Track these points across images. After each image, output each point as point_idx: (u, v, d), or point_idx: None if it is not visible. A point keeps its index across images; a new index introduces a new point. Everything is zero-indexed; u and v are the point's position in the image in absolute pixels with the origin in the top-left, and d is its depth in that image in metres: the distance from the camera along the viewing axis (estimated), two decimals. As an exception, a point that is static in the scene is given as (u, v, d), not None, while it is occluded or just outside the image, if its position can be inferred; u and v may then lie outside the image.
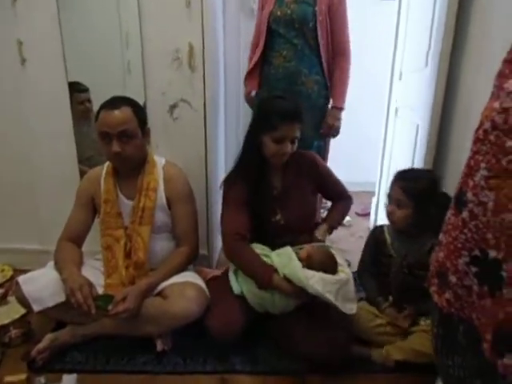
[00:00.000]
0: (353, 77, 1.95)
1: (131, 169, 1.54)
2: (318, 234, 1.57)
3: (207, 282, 1.58)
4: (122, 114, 1.43)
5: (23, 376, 1.31)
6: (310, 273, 1.34)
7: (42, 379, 1.21)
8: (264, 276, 1.38)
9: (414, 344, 1.36)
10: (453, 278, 0.67)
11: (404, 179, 1.44)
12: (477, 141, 0.64)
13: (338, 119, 1.94)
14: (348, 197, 1.70)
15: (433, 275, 0.73)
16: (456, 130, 1.69)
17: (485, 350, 0.63)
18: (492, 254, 0.61)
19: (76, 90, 1.89)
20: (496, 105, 0.60)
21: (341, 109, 1.93)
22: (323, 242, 1.57)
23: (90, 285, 1.38)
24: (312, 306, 1.41)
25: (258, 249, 1.51)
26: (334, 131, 1.97)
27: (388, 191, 1.50)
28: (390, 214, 1.47)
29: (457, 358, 0.76)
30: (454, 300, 0.68)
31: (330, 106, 1.96)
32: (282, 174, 1.58)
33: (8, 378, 1.31)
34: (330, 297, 1.29)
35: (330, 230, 1.64)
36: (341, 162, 2.51)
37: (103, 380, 1.33)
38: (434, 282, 0.72)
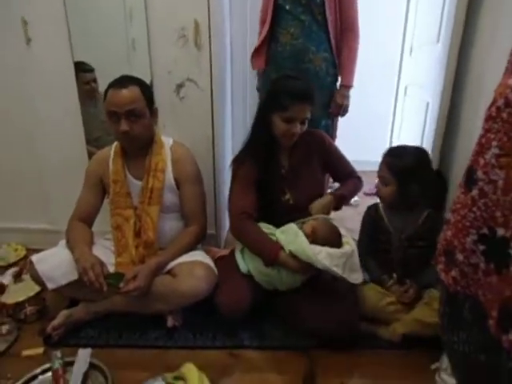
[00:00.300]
0: (362, 53, 1.91)
1: (139, 148, 1.54)
2: (313, 207, 1.53)
3: (215, 261, 1.61)
4: (130, 93, 1.43)
5: (40, 350, 1.37)
6: (317, 248, 1.36)
7: (59, 353, 1.25)
8: (270, 253, 1.40)
9: (417, 315, 1.39)
10: (460, 256, 0.67)
11: (390, 156, 1.46)
12: (489, 118, 0.63)
13: (347, 97, 1.92)
14: (358, 177, 1.68)
15: (440, 253, 0.74)
16: (466, 108, 1.66)
17: (490, 326, 0.63)
18: (500, 232, 0.61)
19: (82, 69, 1.88)
20: (510, 81, 0.59)
21: (350, 87, 1.90)
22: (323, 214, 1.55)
23: (102, 264, 1.41)
24: (318, 282, 1.44)
25: (264, 228, 1.52)
26: (343, 110, 1.94)
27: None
28: (377, 191, 1.51)
29: (462, 334, 0.77)
30: (460, 278, 0.69)
31: (338, 84, 1.93)
32: (291, 153, 1.58)
33: (26, 352, 1.36)
34: (338, 270, 1.32)
35: (339, 203, 1.60)
36: (349, 141, 2.49)
37: (116, 354, 1.38)
38: (441, 260, 0.73)
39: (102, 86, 1.91)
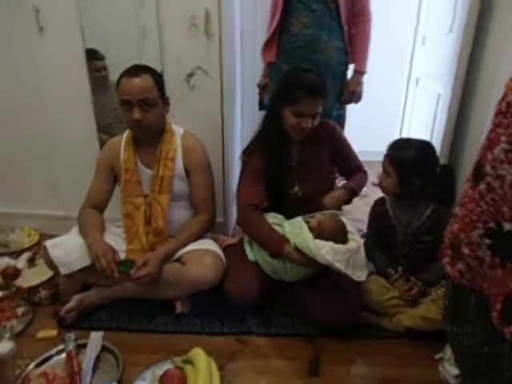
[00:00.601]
0: (373, 42, 1.89)
1: (150, 137, 1.56)
2: (326, 200, 1.56)
3: (223, 250, 1.63)
4: (143, 81, 1.44)
5: (54, 332, 1.42)
6: (321, 243, 1.36)
7: (72, 336, 1.30)
8: (275, 245, 1.42)
9: (422, 312, 1.40)
10: (466, 250, 0.68)
11: (392, 149, 1.45)
12: (499, 113, 0.63)
13: (361, 84, 1.90)
14: (364, 171, 1.68)
15: (446, 247, 0.75)
16: (478, 101, 1.64)
17: (493, 318, 0.65)
18: (507, 226, 0.61)
19: (93, 57, 1.89)
20: None
21: (363, 73, 1.89)
22: (334, 209, 1.56)
23: (113, 251, 1.44)
24: (324, 274, 1.45)
25: (272, 218, 1.54)
26: (357, 97, 1.93)
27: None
28: (379, 182, 1.51)
29: (466, 327, 0.79)
30: (465, 271, 0.70)
31: (352, 70, 1.91)
32: (301, 145, 1.57)
33: (41, 334, 1.41)
34: (341, 266, 1.32)
35: (351, 196, 1.61)
36: (358, 131, 2.48)
37: (127, 337, 1.42)
38: (448, 253, 0.74)
39: (112, 74, 1.92)
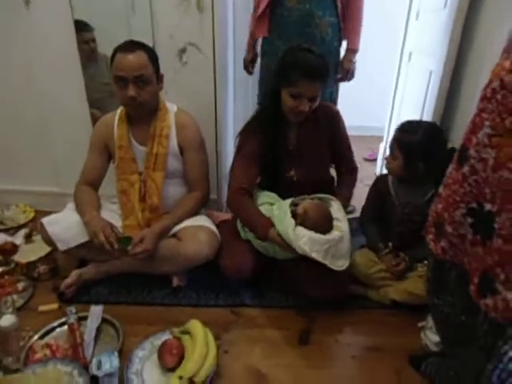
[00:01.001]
0: (367, 16, 1.88)
1: (144, 115, 1.56)
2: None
3: (217, 225, 1.67)
4: (138, 58, 1.43)
5: (55, 306, 1.46)
6: (302, 232, 1.35)
7: (73, 309, 1.34)
8: (261, 229, 1.43)
9: (408, 287, 1.45)
10: (449, 228, 0.73)
11: (400, 131, 1.45)
12: (483, 98, 0.66)
13: (354, 62, 1.91)
14: (354, 168, 1.67)
15: (430, 225, 0.79)
16: (468, 79, 1.66)
17: (471, 291, 0.70)
18: (487, 207, 0.66)
19: (81, 29, 1.84)
20: (506, 64, 0.61)
21: (356, 50, 1.89)
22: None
23: (111, 225, 1.48)
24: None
25: (265, 196, 1.56)
26: (350, 75, 1.93)
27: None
28: (385, 163, 1.52)
29: (447, 298, 0.84)
30: (448, 248, 0.75)
31: (344, 49, 1.91)
32: (299, 128, 1.55)
33: (42, 308, 1.46)
34: (318, 257, 1.31)
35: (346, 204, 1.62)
36: (350, 106, 2.48)
37: (126, 310, 1.47)
38: (431, 231, 0.79)
39: (100, 46, 1.90)
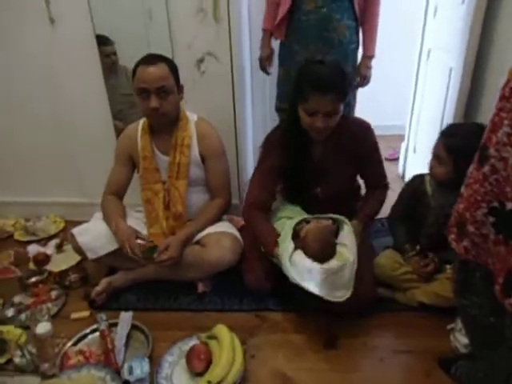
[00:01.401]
0: (384, 14, 1.86)
1: (166, 125, 1.60)
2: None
3: (239, 230, 1.69)
4: (159, 69, 1.47)
5: (87, 313, 1.52)
6: (297, 259, 1.31)
7: (104, 316, 1.39)
8: (267, 248, 1.45)
9: (436, 289, 1.42)
10: (471, 228, 0.72)
11: (448, 136, 1.39)
12: (502, 98, 0.66)
13: (370, 68, 1.90)
14: (384, 186, 1.60)
15: (452, 225, 0.79)
16: (490, 76, 1.62)
17: (496, 291, 0.69)
18: (509, 205, 0.65)
19: (102, 43, 1.91)
20: None
21: (372, 57, 1.88)
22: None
23: (135, 233, 1.52)
24: None
25: (288, 210, 1.56)
26: (366, 81, 1.93)
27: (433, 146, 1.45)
28: (430, 168, 1.46)
29: (473, 299, 0.83)
30: (470, 247, 0.74)
31: (361, 55, 1.90)
32: (325, 144, 1.48)
33: (74, 315, 1.52)
34: (310, 286, 1.26)
35: (363, 225, 1.54)
36: (370, 105, 2.46)
37: (153, 316, 1.51)
38: (453, 230, 0.78)
39: (121, 59, 1.96)
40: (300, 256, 1.33)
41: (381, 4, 1.84)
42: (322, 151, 1.50)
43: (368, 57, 1.88)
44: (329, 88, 1.29)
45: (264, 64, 2.00)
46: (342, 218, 1.46)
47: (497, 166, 0.66)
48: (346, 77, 1.36)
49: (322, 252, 1.34)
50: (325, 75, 1.31)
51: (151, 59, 1.49)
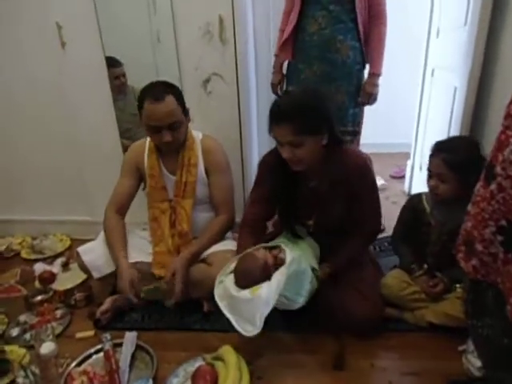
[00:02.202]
0: (388, 34, 1.89)
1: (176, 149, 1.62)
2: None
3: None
4: (168, 106, 1.48)
5: (91, 333, 1.51)
6: (228, 280, 1.31)
7: (108, 336, 1.38)
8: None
9: (446, 308, 1.39)
10: (479, 247, 0.72)
11: (445, 151, 1.37)
12: (508, 116, 0.66)
13: (377, 86, 1.91)
14: (368, 233, 1.50)
15: (460, 243, 0.78)
16: (495, 94, 1.63)
17: (508, 311, 0.68)
18: None
19: (111, 65, 1.96)
20: None
21: (379, 75, 1.90)
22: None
23: (136, 282, 1.48)
24: (343, 277, 1.46)
25: (282, 237, 1.53)
26: (372, 99, 1.94)
27: (428, 165, 1.44)
28: (433, 188, 1.42)
29: (486, 319, 0.81)
30: (479, 266, 0.73)
31: (367, 72, 1.93)
32: (320, 175, 1.43)
33: (79, 335, 1.51)
34: (222, 308, 1.26)
35: (330, 271, 1.46)
36: (376, 123, 2.48)
37: (159, 336, 1.49)
38: (462, 249, 0.77)
39: (129, 79, 2.01)
40: (230, 279, 1.32)
41: (387, 23, 1.87)
42: (317, 182, 1.44)
43: (375, 74, 1.89)
44: (281, 118, 1.26)
45: (276, 89, 2.03)
46: (288, 251, 1.36)
47: (503, 184, 0.66)
48: (317, 107, 1.29)
49: (238, 279, 1.30)
50: (281, 106, 1.29)
51: (158, 94, 1.47)
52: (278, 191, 1.46)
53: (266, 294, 1.21)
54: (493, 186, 0.68)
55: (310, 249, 1.51)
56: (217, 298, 1.29)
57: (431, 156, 1.42)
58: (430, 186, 1.44)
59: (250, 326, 1.21)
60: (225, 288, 1.29)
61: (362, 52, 1.88)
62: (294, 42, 1.91)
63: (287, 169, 1.38)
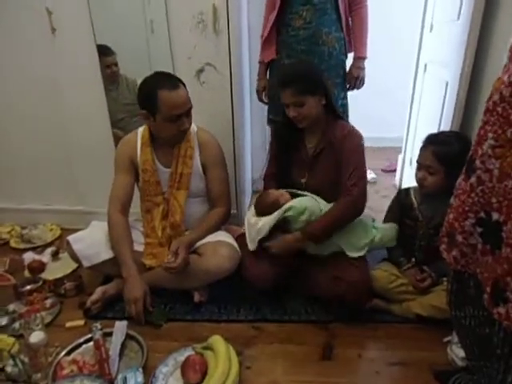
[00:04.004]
0: (382, 28, 1.91)
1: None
2: (273, 244, 1.53)
3: (236, 239, 1.69)
4: (184, 92, 1.51)
5: (81, 322, 1.51)
6: (249, 213, 1.65)
7: (98, 325, 1.38)
8: None
9: (433, 300, 1.42)
10: (459, 238, 0.74)
11: (435, 144, 1.41)
12: (487, 111, 0.68)
13: (363, 69, 1.93)
14: (348, 196, 1.46)
15: (443, 235, 0.80)
16: (486, 90, 1.64)
17: (484, 300, 0.70)
18: (495, 216, 0.66)
19: (103, 53, 1.93)
20: (505, 77, 0.63)
21: (364, 58, 1.92)
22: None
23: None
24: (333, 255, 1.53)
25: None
26: (360, 82, 1.95)
27: (417, 157, 1.47)
28: (421, 180, 1.45)
29: (468, 310, 0.83)
30: (460, 257, 0.75)
31: (352, 57, 1.95)
32: (318, 141, 1.58)
33: (69, 324, 1.51)
34: (245, 227, 1.59)
35: (305, 241, 1.50)
36: (366, 117, 2.48)
37: (149, 326, 1.49)
38: (444, 240, 0.80)
39: (121, 68, 1.98)
40: (252, 207, 1.66)
41: (367, 4, 1.89)
42: (314, 147, 1.60)
43: (360, 58, 1.91)
44: (285, 84, 1.47)
45: (261, 95, 2.06)
46: (296, 200, 1.53)
47: (482, 178, 0.68)
48: (310, 73, 1.50)
49: (255, 207, 1.62)
50: (286, 71, 1.55)
51: (173, 82, 1.48)
52: (282, 150, 1.65)
53: (266, 223, 1.51)
54: (472, 179, 0.70)
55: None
56: (245, 220, 1.62)
57: (422, 148, 1.45)
58: (417, 179, 1.47)
59: (252, 245, 1.55)
60: (249, 212, 1.64)
61: (344, 43, 1.89)
62: (278, 39, 1.90)
63: (292, 132, 1.59)
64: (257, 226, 1.52)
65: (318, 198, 1.56)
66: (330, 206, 1.53)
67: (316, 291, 1.55)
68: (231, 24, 1.79)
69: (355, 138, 1.52)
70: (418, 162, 1.47)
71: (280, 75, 1.53)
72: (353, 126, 1.57)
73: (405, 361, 1.33)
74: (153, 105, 1.47)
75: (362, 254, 1.51)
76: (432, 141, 1.44)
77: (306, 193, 1.59)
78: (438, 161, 1.39)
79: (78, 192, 2.23)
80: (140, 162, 1.64)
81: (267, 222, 1.51)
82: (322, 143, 1.57)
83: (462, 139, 1.42)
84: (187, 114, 1.53)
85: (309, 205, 1.51)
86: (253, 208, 1.64)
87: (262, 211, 1.57)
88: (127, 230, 1.60)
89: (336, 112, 1.59)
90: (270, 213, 1.52)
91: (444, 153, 1.38)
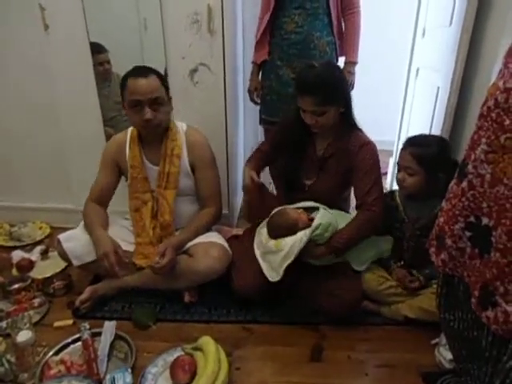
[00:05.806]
0: (375, 32, 1.92)
1: (157, 135, 1.60)
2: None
3: (228, 240, 1.69)
4: (152, 81, 1.48)
5: (70, 322, 1.50)
6: (262, 230, 1.54)
7: (87, 325, 1.37)
8: None
9: (421, 303, 1.44)
10: (448, 241, 0.74)
11: (414, 146, 1.44)
12: (481, 116, 0.68)
13: (353, 74, 1.94)
14: (368, 212, 1.45)
15: (433, 238, 0.81)
16: (477, 95, 1.66)
17: (472, 303, 0.71)
18: (484, 221, 0.67)
19: (96, 51, 1.91)
20: (500, 83, 0.64)
21: (355, 63, 1.93)
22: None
23: (116, 249, 1.50)
24: (329, 267, 1.52)
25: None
26: (349, 86, 1.96)
27: (397, 159, 1.50)
28: (400, 181, 1.49)
29: (457, 313, 0.84)
30: (448, 260, 0.76)
31: (343, 62, 1.96)
32: (328, 145, 1.56)
33: (57, 323, 1.49)
34: (257, 254, 1.49)
35: (330, 251, 1.47)
36: (359, 121, 2.49)
37: (138, 326, 1.48)
38: (433, 243, 0.81)
39: (114, 66, 1.96)
40: (263, 229, 1.54)
41: (360, 11, 1.90)
42: (323, 150, 1.57)
43: (351, 63, 1.93)
44: (305, 91, 1.40)
45: (252, 96, 2.07)
46: (320, 216, 1.46)
47: (474, 182, 0.69)
48: (334, 82, 1.42)
49: (269, 230, 1.51)
50: (308, 78, 1.41)
51: (141, 71, 1.49)
52: (290, 148, 1.59)
53: (290, 246, 1.40)
54: (464, 184, 0.71)
55: (342, 219, 1.53)
56: (255, 246, 1.51)
57: (401, 150, 1.48)
58: (397, 180, 1.50)
59: (273, 273, 1.42)
60: (258, 238, 1.51)
61: (335, 47, 1.91)
62: (270, 40, 1.91)
63: (302, 133, 1.54)
64: (281, 251, 1.40)
65: (328, 209, 1.53)
66: (341, 216, 1.52)
67: (308, 300, 1.54)
68: (226, 24, 1.79)
69: (373, 151, 1.50)
70: (397, 163, 1.50)
71: (300, 79, 1.44)
72: (369, 138, 1.54)
73: (393, 363, 1.34)
74: (122, 92, 1.50)
75: (364, 267, 1.52)
76: (411, 142, 1.47)
77: (313, 203, 1.54)
78: (417, 162, 1.41)
79: (69, 190, 2.20)
80: (128, 158, 1.63)
81: (295, 245, 1.39)
82: (333, 148, 1.55)
83: (440, 141, 1.46)
84: (151, 103, 1.48)
85: (332, 221, 1.46)
86: (263, 232, 1.51)
87: (279, 234, 1.45)
88: (101, 214, 1.64)
89: (353, 120, 1.55)
90: (287, 234, 1.43)
91: (422, 154, 1.41)
